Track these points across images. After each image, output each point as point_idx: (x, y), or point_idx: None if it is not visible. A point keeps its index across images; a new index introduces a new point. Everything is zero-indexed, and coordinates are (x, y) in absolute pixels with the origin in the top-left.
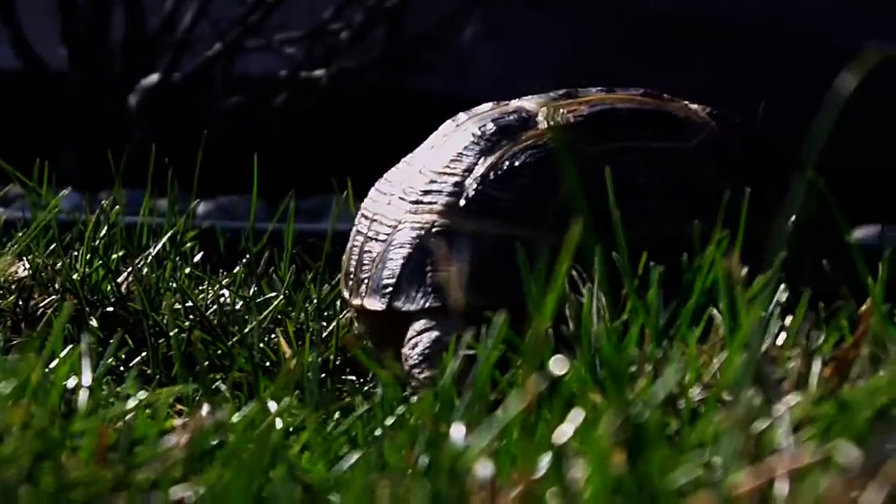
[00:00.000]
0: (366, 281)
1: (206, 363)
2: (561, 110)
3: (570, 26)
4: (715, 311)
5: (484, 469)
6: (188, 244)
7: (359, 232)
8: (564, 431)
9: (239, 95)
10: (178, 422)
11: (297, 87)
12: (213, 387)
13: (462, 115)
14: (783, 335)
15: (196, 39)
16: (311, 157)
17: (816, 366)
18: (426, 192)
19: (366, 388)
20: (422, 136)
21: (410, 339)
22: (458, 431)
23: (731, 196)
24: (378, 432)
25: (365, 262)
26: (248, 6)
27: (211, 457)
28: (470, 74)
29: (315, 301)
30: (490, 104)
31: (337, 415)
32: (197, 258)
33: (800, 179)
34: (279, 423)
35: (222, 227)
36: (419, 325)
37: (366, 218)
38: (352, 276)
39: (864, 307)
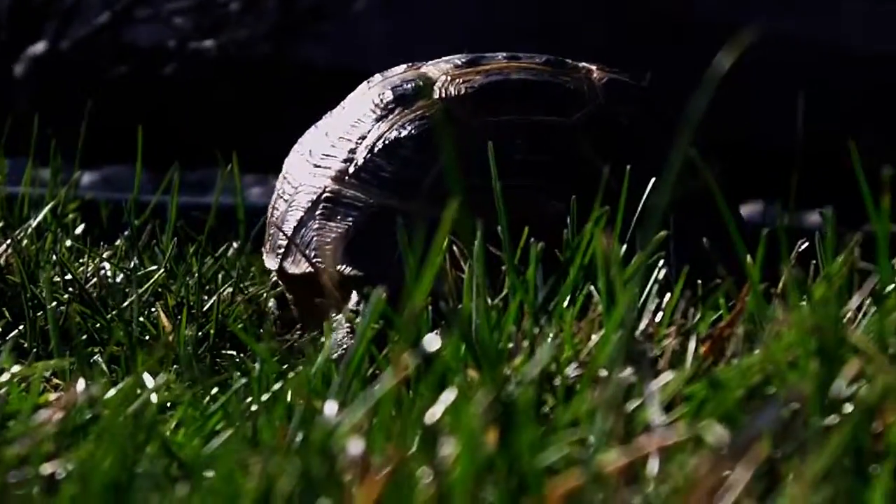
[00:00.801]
0: (269, 240)
1: (84, 337)
2: (457, 80)
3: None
4: (594, 289)
5: (355, 446)
6: (70, 216)
7: (276, 191)
8: (437, 409)
9: (127, 65)
10: (52, 396)
11: (185, 58)
12: (91, 361)
13: (377, 77)
14: (661, 313)
15: (84, 8)
16: (200, 128)
17: (692, 344)
18: (325, 157)
19: (244, 363)
20: (313, 108)
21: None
22: (330, 408)
23: (611, 171)
24: (254, 408)
25: (273, 220)
26: None
27: (85, 432)
28: (363, 45)
29: (196, 275)
30: (404, 67)
31: (214, 390)
32: (79, 230)
33: (675, 155)
34: (154, 399)
35: (106, 199)
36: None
37: (283, 178)
38: (267, 233)
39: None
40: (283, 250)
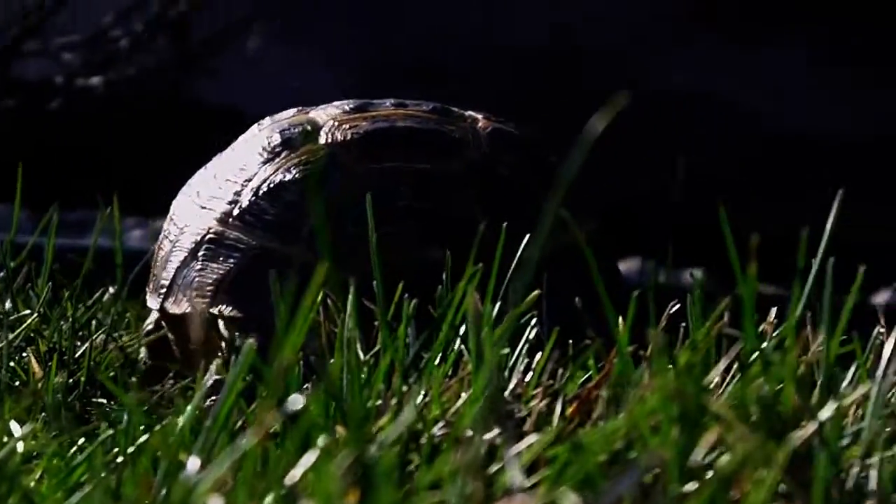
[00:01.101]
0: (153, 280)
1: None
2: (343, 125)
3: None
4: (465, 347)
5: None
6: None
7: (163, 232)
8: (298, 469)
9: (13, 99)
10: None
11: (72, 94)
12: None
13: (266, 121)
14: (531, 373)
15: None
16: (83, 166)
17: (559, 405)
18: (211, 198)
19: (112, 413)
20: (203, 147)
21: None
22: (193, 463)
23: (490, 221)
24: (119, 460)
25: (157, 260)
26: (26, 9)
27: None
28: (255, 84)
29: (70, 320)
30: (293, 110)
31: (81, 440)
32: None
33: (546, 213)
34: (21, 448)
35: None
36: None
37: (170, 219)
38: (151, 273)
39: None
40: (165, 290)
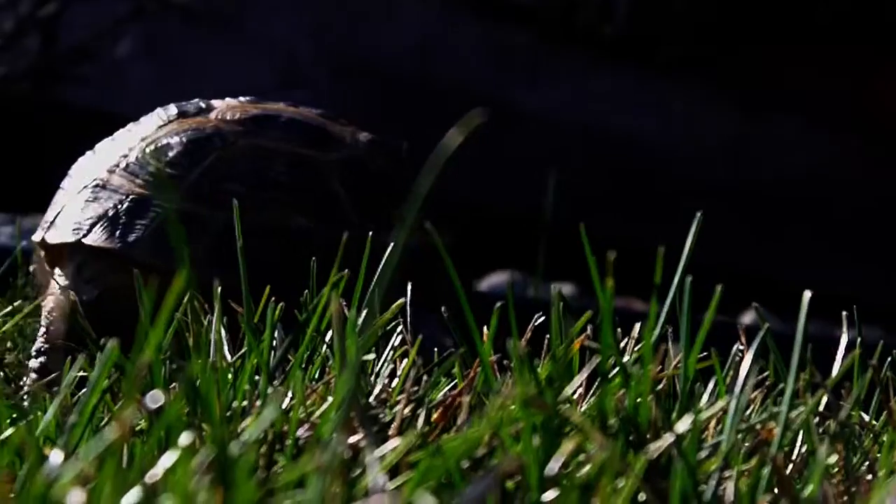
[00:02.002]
0: (43, 221)
1: None
2: (235, 109)
3: (224, 51)
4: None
5: (75, 499)
6: None
7: (60, 187)
8: (160, 466)
9: None
10: None
11: None
12: None
13: (170, 106)
14: (396, 379)
15: None
16: None
17: (422, 411)
18: (107, 155)
19: None
20: (71, 149)
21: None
22: (56, 457)
23: (356, 212)
24: None
25: (51, 207)
26: None
27: None
28: (124, 89)
29: None
30: (196, 101)
31: None
32: None
33: (403, 223)
34: None
35: None
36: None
37: (68, 176)
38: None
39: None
40: (48, 225)
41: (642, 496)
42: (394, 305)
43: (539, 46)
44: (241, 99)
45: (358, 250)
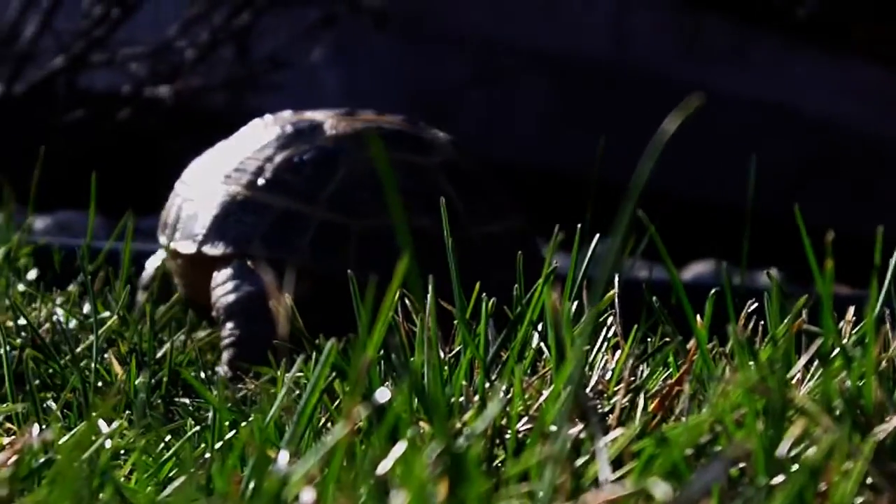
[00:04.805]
0: (180, 230)
1: (37, 382)
2: (342, 123)
3: (415, 52)
4: (544, 345)
5: (307, 496)
6: (22, 261)
7: (178, 195)
8: (388, 461)
9: (82, 110)
10: (5, 441)
11: (140, 104)
12: (44, 406)
13: (269, 118)
14: (611, 370)
15: (39, 52)
16: (153, 175)
17: (640, 401)
18: (236, 171)
19: (198, 410)
20: None
21: (218, 285)
22: (283, 457)
23: (462, 202)
24: (207, 455)
25: (182, 217)
26: (93, 20)
27: (39, 477)
28: (319, 95)
29: (149, 322)
30: (289, 112)
31: (168, 437)
32: (31, 275)
33: (624, 211)
34: (108, 444)
35: (59, 245)
36: (223, 273)
37: (184, 184)
38: (169, 226)
39: (690, 344)
40: (200, 238)
41: (870, 479)
42: (607, 295)
43: (732, 30)
44: (335, 112)
45: (470, 245)
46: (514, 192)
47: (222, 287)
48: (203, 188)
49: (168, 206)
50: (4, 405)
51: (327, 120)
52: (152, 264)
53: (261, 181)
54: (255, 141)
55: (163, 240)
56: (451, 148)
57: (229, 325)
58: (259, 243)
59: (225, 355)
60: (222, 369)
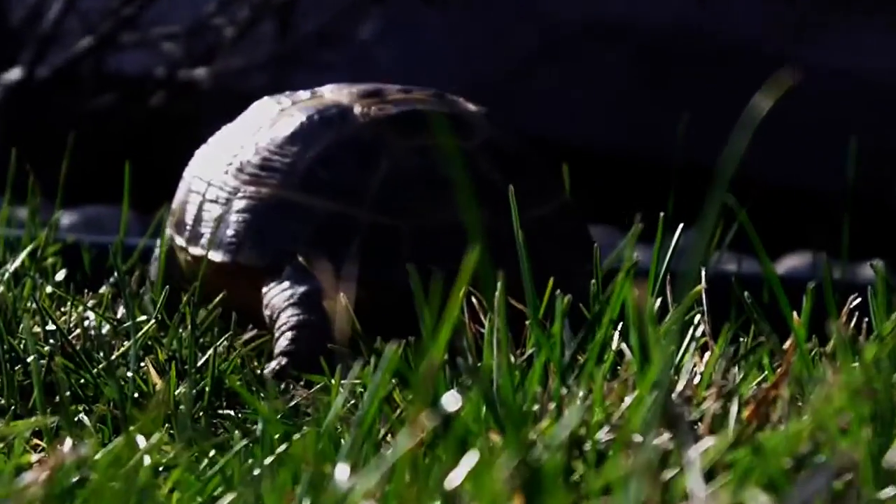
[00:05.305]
0: (206, 236)
1: (69, 393)
2: (372, 107)
3: (475, 26)
4: (624, 346)
5: None
6: (50, 260)
7: (193, 191)
8: (457, 474)
9: (111, 94)
10: (35, 457)
11: (175, 87)
12: (76, 419)
13: (284, 100)
14: (699, 374)
15: (64, 32)
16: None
17: (734, 407)
18: (262, 168)
19: (244, 422)
20: None
21: (270, 291)
22: (342, 472)
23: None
24: (257, 472)
25: (204, 219)
26: None
27: (73, 496)
28: (367, 75)
29: (190, 327)
30: (307, 93)
31: (213, 452)
32: (60, 276)
33: (714, 198)
34: (147, 461)
35: (89, 242)
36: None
37: (201, 180)
38: (188, 227)
39: (787, 344)
40: (233, 246)
41: None
42: (693, 291)
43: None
44: (356, 90)
45: (525, 234)
46: (555, 166)
47: (275, 294)
48: (224, 184)
49: (181, 200)
50: (33, 418)
51: (355, 104)
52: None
53: (296, 180)
54: (279, 131)
55: (180, 241)
56: (488, 125)
57: (285, 330)
58: (303, 251)
59: (274, 363)
60: (271, 371)
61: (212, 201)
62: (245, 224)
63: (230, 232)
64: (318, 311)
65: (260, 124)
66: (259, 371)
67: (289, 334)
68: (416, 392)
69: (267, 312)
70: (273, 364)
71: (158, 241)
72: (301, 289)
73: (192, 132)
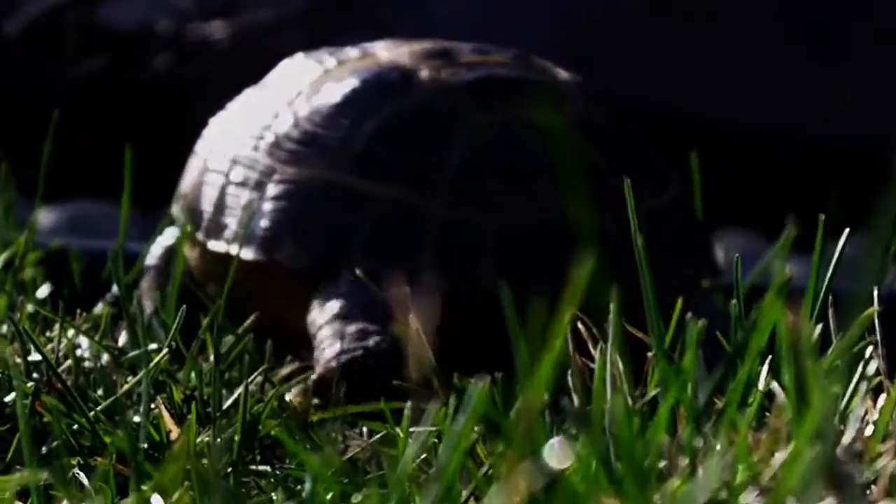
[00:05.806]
0: (232, 227)
1: (61, 441)
2: (442, 71)
3: None
4: (775, 385)
5: None
6: (29, 271)
7: (211, 170)
8: None
9: (101, 56)
10: None
11: (183, 47)
12: (71, 475)
13: (328, 59)
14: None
15: None
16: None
17: None
18: (304, 144)
19: (286, 479)
20: None
21: (317, 303)
22: None
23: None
24: None
25: (228, 205)
26: None
27: None
28: (423, 34)
29: (213, 357)
30: (355, 50)
31: None
32: (43, 291)
33: (891, 193)
34: None
35: (79, 248)
36: (328, 297)
37: (222, 156)
38: (204, 215)
39: None
40: (268, 241)
41: None
42: (865, 314)
43: None
44: (419, 49)
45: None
46: (659, 144)
47: (326, 307)
48: (254, 163)
49: (193, 181)
50: (17, 474)
51: (420, 67)
52: (157, 254)
53: (349, 160)
54: (322, 96)
55: (200, 235)
56: (581, 95)
57: (334, 343)
58: (361, 253)
59: (321, 367)
60: (318, 376)
61: (238, 184)
62: (284, 214)
63: (265, 223)
64: (385, 333)
65: (299, 88)
66: (301, 411)
67: (337, 346)
68: (509, 443)
69: (312, 331)
70: (320, 369)
71: (159, 241)
72: (361, 301)
73: (205, 106)
